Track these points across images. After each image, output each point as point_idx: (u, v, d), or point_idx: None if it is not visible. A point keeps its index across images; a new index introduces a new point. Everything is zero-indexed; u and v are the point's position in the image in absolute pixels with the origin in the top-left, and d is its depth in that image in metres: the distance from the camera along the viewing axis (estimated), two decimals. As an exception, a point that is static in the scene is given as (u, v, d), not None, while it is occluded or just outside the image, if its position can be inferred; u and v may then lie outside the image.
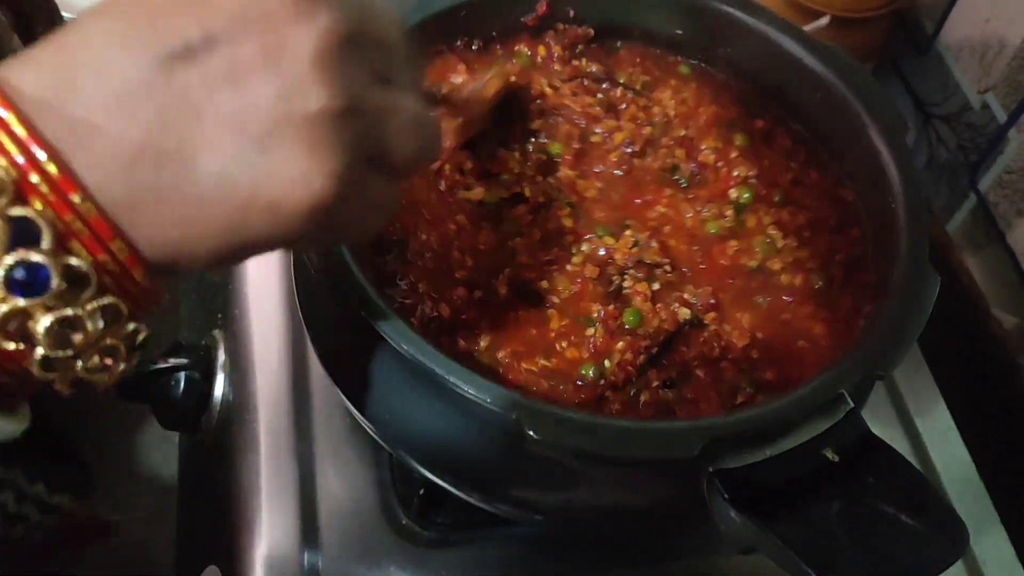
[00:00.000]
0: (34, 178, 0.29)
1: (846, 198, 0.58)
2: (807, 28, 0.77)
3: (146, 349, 0.33)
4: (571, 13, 0.62)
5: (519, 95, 0.59)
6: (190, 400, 0.65)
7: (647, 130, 0.59)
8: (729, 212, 0.57)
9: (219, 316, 0.69)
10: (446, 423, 0.48)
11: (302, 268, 0.55)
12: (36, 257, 0.29)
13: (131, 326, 0.32)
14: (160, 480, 0.86)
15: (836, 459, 0.44)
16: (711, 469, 0.42)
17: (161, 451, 0.85)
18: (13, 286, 0.29)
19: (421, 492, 0.58)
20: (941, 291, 0.49)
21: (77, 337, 0.30)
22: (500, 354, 0.50)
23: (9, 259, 0.29)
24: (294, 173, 0.31)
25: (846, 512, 0.42)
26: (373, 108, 0.33)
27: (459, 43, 0.60)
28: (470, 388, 0.43)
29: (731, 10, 0.61)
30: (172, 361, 0.65)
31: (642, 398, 0.49)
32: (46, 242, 0.29)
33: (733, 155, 0.59)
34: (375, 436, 0.50)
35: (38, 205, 0.29)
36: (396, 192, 0.38)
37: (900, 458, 0.45)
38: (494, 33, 0.61)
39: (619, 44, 0.64)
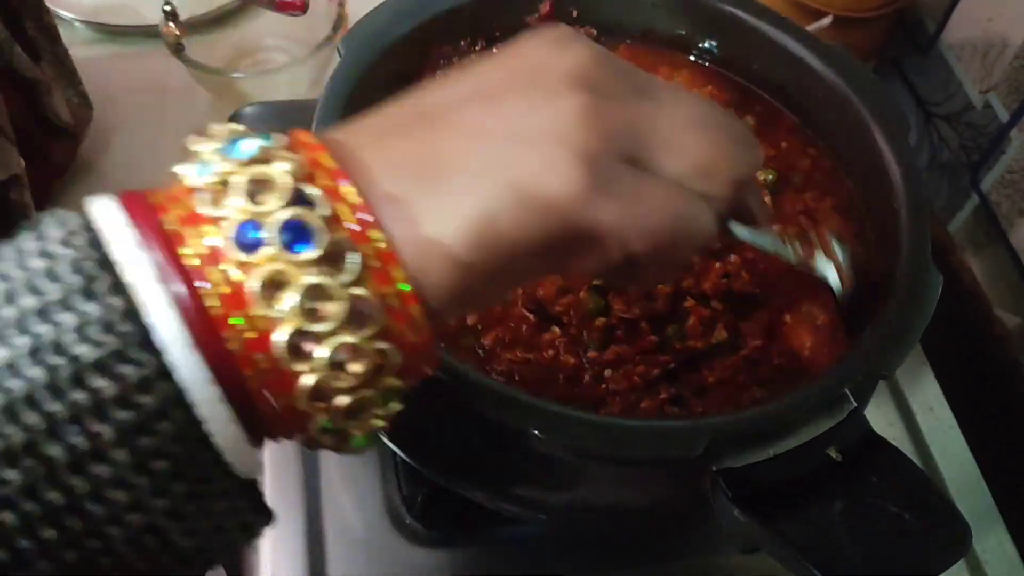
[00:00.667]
0: (347, 223, 0.29)
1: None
2: (810, 28, 0.78)
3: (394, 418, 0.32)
4: (574, 13, 0.62)
5: None
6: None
7: None
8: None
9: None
10: (449, 422, 0.48)
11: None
12: (310, 216, 0.28)
13: (395, 382, 0.30)
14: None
15: (839, 458, 0.44)
16: (714, 468, 0.43)
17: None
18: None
19: (425, 491, 0.58)
20: (943, 291, 0.49)
21: (353, 368, 0.29)
22: (485, 340, 0.51)
23: (288, 212, 0.28)
24: (544, 160, 0.31)
25: (849, 511, 0.42)
26: (628, 108, 0.33)
27: (463, 43, 0.60)
28: (473, 386, 0.43)
29: (734, 10, 0.61)
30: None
31: (643, 404, 0.50)
32: (353, 271, 0.28)
33: None
34: (379, 435, 0.51)
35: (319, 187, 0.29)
36: (677, 195, 0.34)
37: (903, 457, 0.45)
38: (498, 33, 0.61)
39: (620, 45, 0.64)
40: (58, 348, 0.26)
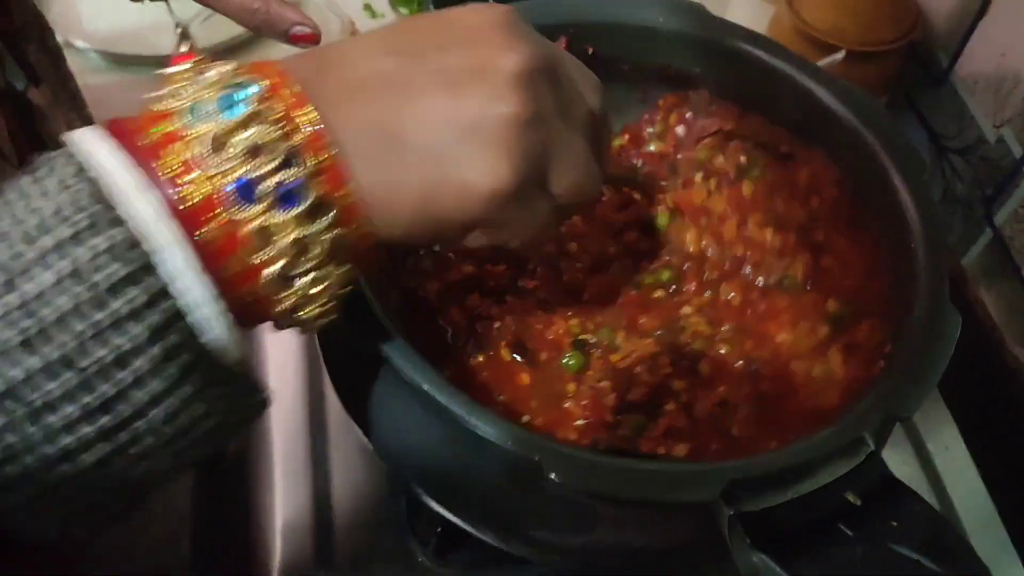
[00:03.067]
0: (303, 129, 0.35)
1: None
2: (822, 63, 0.78)
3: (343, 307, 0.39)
4: (590, 50, 0.62)
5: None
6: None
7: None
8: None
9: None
10: (463, 462, 0.48)
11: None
12: (300, 177, 0.34)
13: (345, 270, 0.37)
14: (174, 506, 0.85)
15: (857, 502, 0.44)
16: (732, 511, 0.42)
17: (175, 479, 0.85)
18: (277, 202, 0.34)
19: (438, 531, 0.58)
20: (956, 326, 0.49)
21: (311, 255, 0.35)
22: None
23: (280, 176, 0.34)
24: (485, 162, 0.38)
25: (868, 555, 0.42)
26: (551, 130, 0.40)
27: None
28: (490, 429, 0.43)
29: (747, 47, 0.61)
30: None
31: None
32: (309, 168, 0.35)
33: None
34: (391, 473, 0.50)
35: (300, 142, 0.35)
36: (552, 215, 0.43)
37: (922, 501, 0.44)
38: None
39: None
40: (78, 278, 0.31)
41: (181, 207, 0.33)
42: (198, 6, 0.61)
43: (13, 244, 0.32)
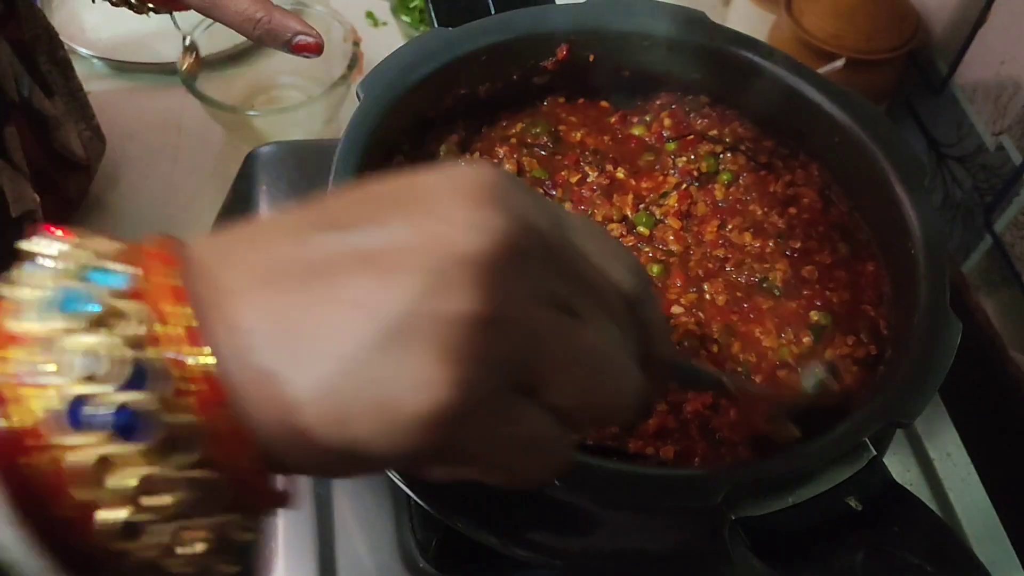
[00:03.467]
0: (170, 329, 0.27)
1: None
2: (822, 70, 0.78)
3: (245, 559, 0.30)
4: (590, 58, 0.62)
5: None
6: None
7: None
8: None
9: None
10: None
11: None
12: (150, 399, 0.27)
13: (229, 517, 0.28)
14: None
15: (859, 507, 0.44)
16: (733, 517, 0.42)
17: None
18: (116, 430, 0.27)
19: (439, 535, 0.58)
20: (957, 333, 0.49)
21: (166, 500, 0.27)
22: None
23: (122, 397, 0.27)
24: (416, 375, 0.28)
25: (869, 561, 0.42)
26: (530, 329, 0.29)
27: (480, 88, 0.61)
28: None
29: (749, 55, 0.61)
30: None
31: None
32: (168, 387, 0.27)
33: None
34: (393, 478, 0.50)
35: (160, 353, 0.27)
36: (564, 437, 0.32)
37: (923, 507, 0.44)
38: (515, 77, 0.62)
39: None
40: None
41: (2, 427, 0.26)
42: (200, 15, 0.62)
43: None
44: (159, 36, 0.84)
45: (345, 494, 0.60)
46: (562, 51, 0.62)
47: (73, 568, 0.27)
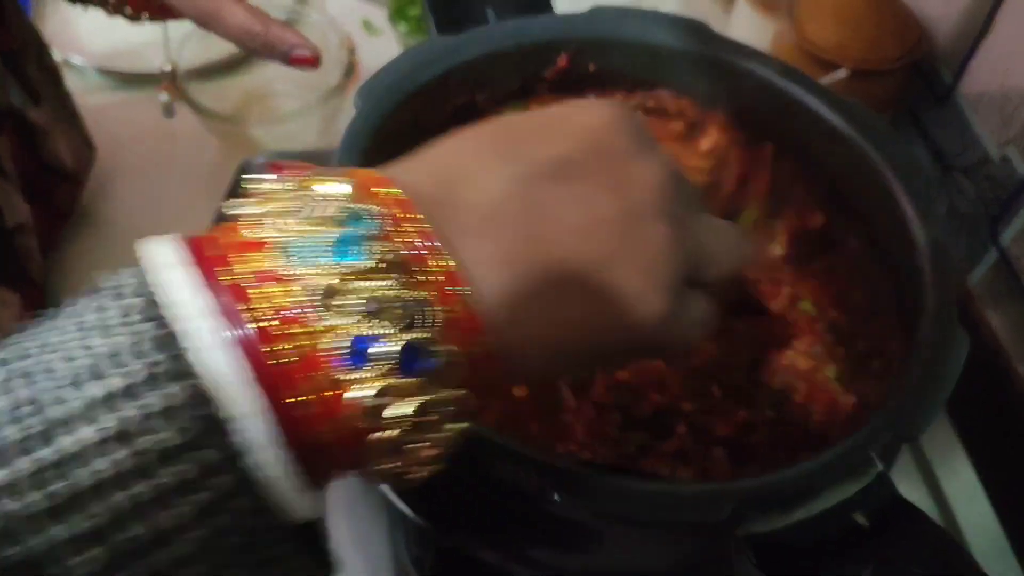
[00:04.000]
0: (432, 274, 0.30)
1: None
2: (825, 80, 0.77)
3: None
4: (591, 67, 0.61)
5: None
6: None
7: None
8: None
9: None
10: (462, 482, 0.47)
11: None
12: (428, 335, 0.29)
13: (462, 425, 0.31)
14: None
15: (866, 523, 0.43)
16: (739, 533, 0.42)
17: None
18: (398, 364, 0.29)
19: (435, 552, 0.57)
20: (963, 347, 0.48)
21: (431, 419, 0.30)
22: None
23: (406, 336, 0.29)
24: (633, 290, 0.34)
25: (878, 578, 0.41)
26: (696, 232, 0.37)
27: (479, 96, 0.60)
28: (489, 446, 0.42)
29: (750, 65, 0.60)
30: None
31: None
32: (439, 323, 0.30)
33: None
34: (387, 493, 0.49)
35: (428, 293, 0.30)
36: (714, 307, 0.40)
37: (931, 523, 0.44)
38: (515, 86, 0.61)
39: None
40: (124, 441, 0.26)
41: (271, 364, 0.28)
42: (193, 24, 0.61)
43: (59, 385, 0.27)
44: (153, 45, 0.83)
45: (338, 507, 0.59)
46: (562, 60, 0.61)
47: (318, 484, 0.30)
